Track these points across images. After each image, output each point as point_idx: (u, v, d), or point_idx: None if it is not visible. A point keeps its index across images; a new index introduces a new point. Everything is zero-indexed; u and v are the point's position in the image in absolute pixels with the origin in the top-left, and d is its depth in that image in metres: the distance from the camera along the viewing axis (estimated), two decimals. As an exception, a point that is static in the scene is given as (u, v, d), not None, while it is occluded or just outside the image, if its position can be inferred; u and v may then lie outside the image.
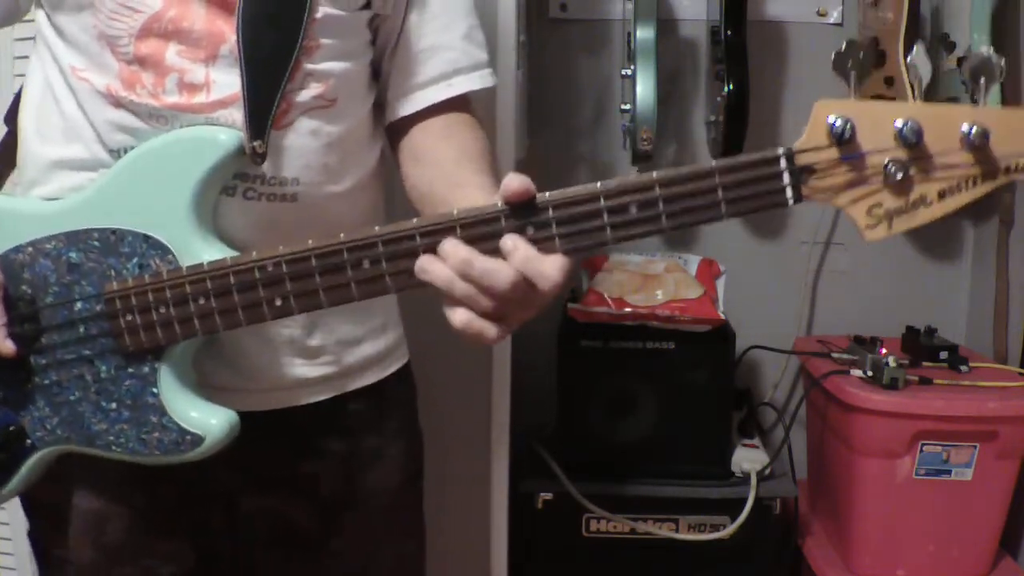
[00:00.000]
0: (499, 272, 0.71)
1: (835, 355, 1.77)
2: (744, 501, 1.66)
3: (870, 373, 1.64)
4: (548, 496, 1.70)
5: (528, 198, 0.73)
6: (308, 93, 0.89)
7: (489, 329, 0.73)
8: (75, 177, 0.90)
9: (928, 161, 0.69)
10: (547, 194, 0.73)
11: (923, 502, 1.62)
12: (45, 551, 1.01)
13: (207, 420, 0.86)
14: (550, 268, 0.71)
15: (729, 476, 1.71)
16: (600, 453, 1.73)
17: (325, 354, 0.97)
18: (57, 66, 0.91)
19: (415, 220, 0.76)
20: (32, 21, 0.95)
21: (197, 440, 0.85)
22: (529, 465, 1.73)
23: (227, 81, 0.86)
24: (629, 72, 1.75)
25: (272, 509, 0.99)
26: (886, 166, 0.69)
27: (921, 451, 1.59)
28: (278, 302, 0.80)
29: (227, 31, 0.86)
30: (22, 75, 0.98)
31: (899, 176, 0.69)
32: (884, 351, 1.68)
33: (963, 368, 1.68)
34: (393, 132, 1.00)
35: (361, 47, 0.95)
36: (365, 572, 1.04)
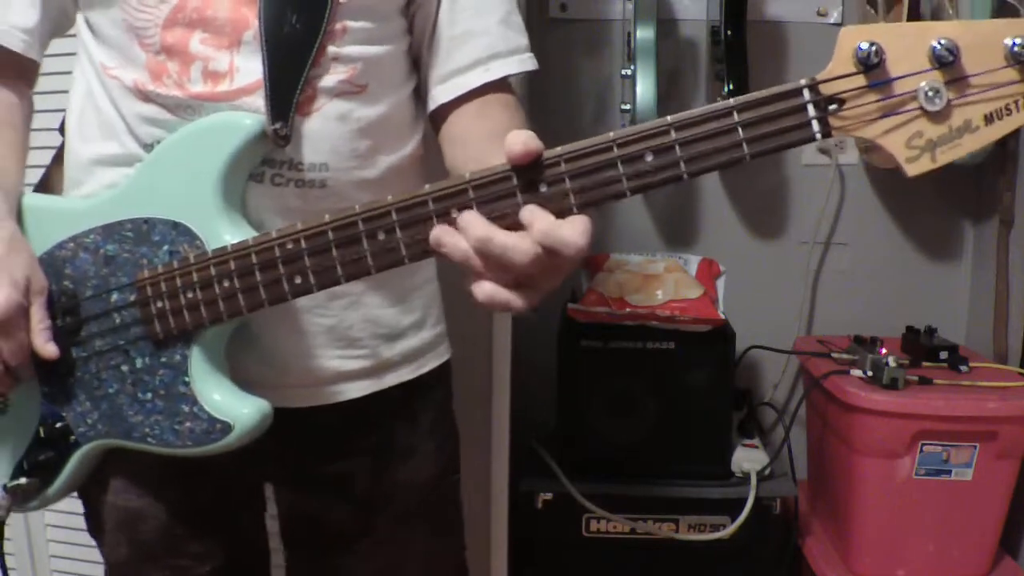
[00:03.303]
0: (519, 247, 0.67)
1: (835, 355, 1.77)
2: (744, 501, 1.66)
3: (870, 373, 1.64)
4: (548, 496, 1.70)
5: (532, 159, 0.70)
6: (334, 77, 0.89)
7: (515, 300, 0.69)
8: (111, 173, 0.91)
9: (968, 82, 0.63)
10: (558, 148, 0.70)
11: (923, 502, 1.62)
12: (100, 548, 1.02)
13: (238, 409, 0.86)
14: (572, 234, 0.66)
15: (729, 476, 1.71)
16: (600, 453, 1.73)
17: (362, 346, 0.96)
18: (92, 67, 0.92)
19: (427, 186, 0.74)
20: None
21: (227, 428, 0.85)
22: (529, 465, 1.73)
23: (250, 68, 0.86)
24: (629, 72, 1.76)
25: (304, 509, 0.99)
26: (921, 90, 0.63)
27: (921, 451, 1.59)
28: (298, 279, 0.79)
29: (250, 17, 0.86)
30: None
31: (937, 100, 0.63)
32: (884, 351, 1.68)
33: (963, 368, 1.68)
34: (435, 119, 0.99)
35: (395, 33, 0.94)
36: (395, 571, 1.03)
